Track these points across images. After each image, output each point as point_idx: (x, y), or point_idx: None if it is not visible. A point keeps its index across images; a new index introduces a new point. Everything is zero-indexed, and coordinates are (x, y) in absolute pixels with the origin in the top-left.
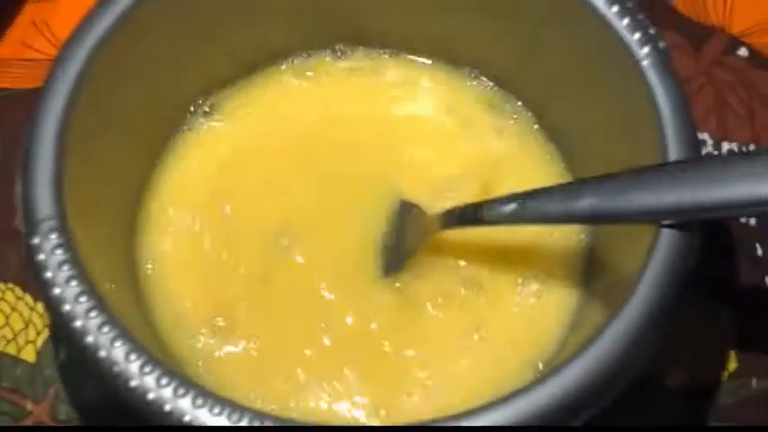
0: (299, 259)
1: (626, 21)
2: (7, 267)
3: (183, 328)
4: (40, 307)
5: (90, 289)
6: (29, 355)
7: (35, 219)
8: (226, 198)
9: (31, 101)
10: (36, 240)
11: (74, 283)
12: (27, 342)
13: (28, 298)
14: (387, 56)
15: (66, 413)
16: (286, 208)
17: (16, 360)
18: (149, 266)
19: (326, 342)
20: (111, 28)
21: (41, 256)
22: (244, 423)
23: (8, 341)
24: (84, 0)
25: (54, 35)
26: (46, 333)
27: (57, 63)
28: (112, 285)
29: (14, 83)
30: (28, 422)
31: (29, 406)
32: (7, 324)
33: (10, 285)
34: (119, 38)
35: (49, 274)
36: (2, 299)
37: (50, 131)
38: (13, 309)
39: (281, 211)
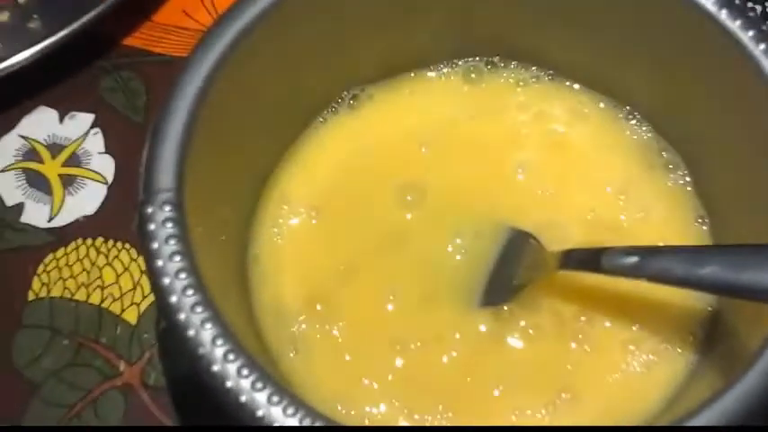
0: (405, 265)
1: None
2: (127, 228)
3: (281, 316)
4: None
5: (191, 266)
6: (131, 316)
7: (152, 188)
8: (345, 196)
9: (180, 68)
10: (149, 209)
11: (177, 258)
12: (132, 303)
13: (141, 261)
14: (544, 76)
15: (155, 379)
16: (400, 214)
17: (118, 319)
18: (257, 253)
19: (412, 359)
20: (263, 11)
21: (151, 226)
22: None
23: (114, 299)
24: None
25: (215, 8)
26: (151, 298)
27: (204, 37)
28: (216, 267)
29: (170, 49)
30: (117, 382)
31: (121, 366)
32: (116, 283)
33: (127, 246)
34: (268, 23)
35: (155, 246)
36: (116, 257)
37: (185, 104)
38: (126, 269)
39: (395, 217)
